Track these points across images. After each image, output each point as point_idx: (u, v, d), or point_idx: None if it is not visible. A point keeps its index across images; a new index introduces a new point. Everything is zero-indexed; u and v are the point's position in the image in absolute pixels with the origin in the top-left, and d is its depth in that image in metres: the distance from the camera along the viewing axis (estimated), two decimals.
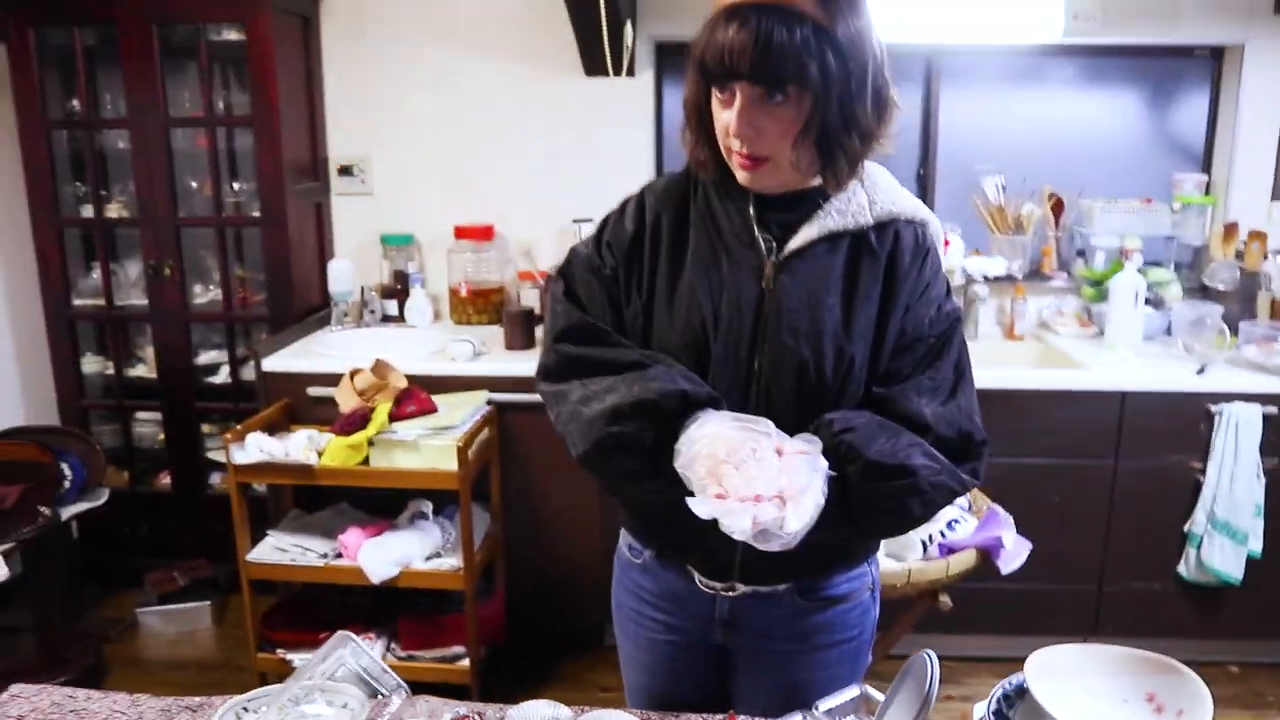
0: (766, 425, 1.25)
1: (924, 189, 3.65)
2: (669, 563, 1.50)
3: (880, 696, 1.31)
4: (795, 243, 1.34)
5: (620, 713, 1.44)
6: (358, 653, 1.48)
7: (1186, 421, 2.96)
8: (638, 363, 1.34)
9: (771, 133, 1.26)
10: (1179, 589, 3.09)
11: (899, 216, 1.37)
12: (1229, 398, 2.93)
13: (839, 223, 1.34)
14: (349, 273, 3.49)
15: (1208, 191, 3.55)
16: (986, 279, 3.43)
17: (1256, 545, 2.97)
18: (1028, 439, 2.97)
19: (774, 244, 1.35)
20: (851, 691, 1.44)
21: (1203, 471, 2.97)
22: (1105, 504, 3.02)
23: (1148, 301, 3.32)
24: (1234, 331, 3.20)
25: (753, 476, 1.20)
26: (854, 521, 1.30)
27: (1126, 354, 3.13)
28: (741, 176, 1.32)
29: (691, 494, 1.24)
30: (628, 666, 1.64)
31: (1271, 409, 2.92)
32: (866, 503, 1.28)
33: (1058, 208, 3.54)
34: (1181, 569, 3.05)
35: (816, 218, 1.34)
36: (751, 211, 1.36)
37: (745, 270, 1.35)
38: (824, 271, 1.34)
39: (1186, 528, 3.02)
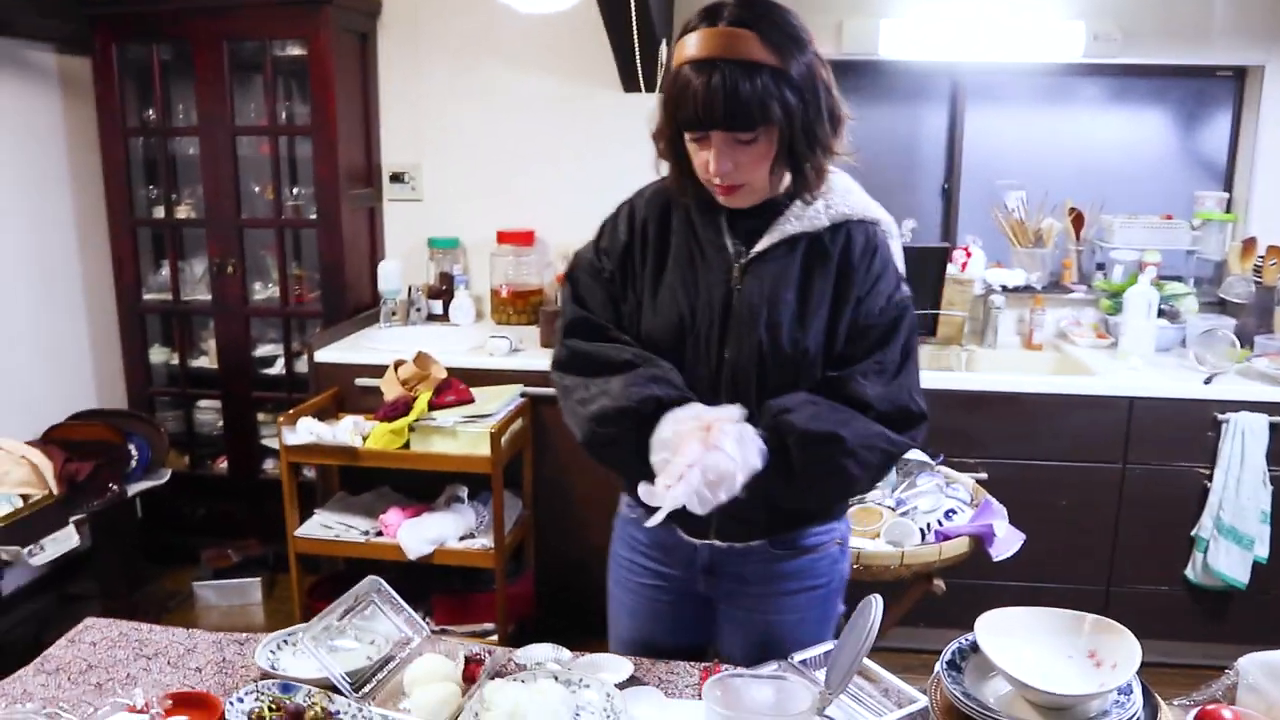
0: (728, 412, 1.45)
1: (948, 202, 3.79)
2: None
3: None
4: (759, 247, 1.53)
5: (616, 656, 1.62)
6: (385, 595, 1.66)
7: (1194, 429, 3.05)
8: (629, 362, 1.54)
9: (746, 165, 1.44)
10: (1186, 592, 3.18)
11: (851, 217, 1.54)
12: (1237, 406, 3.02)
13: (797, 227, 1.52)
14: (398, 273, 3.71)
15: (1229, 208, 3.63)
16: (1005, 289, 3.55)
17: (1263, 551, 3.05)
18: (1039, 442, 3.09)
19: (742, 249, 1.54)
20: (825, 645, 1.60)
21: (1210, 478, 3.06)
22: (1113, 507, 3.12)
23: (1164, 314, 3.43)
24: (1250, 345, 3.28)
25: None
26: (800, 485, 1.49)
27: (1137, 363, 3.23)
28: (721, 199, 1.51)
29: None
30: (617, 613, 1.81)
31: (1279, 418, 3.01)
32: (807, 467, 1.47)
33: (1078, 222, 3.65)
34: (1189, 573, 3.14)
35: (778, 224, 1.52)
36: (724, 222, 1.55)
37: (716, 272, 1.54)
38: (782, 271, 1.52)
39: (1194, 532, 3.11)
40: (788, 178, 1.49)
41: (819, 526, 1.66)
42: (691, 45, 1.42)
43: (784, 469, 1.46)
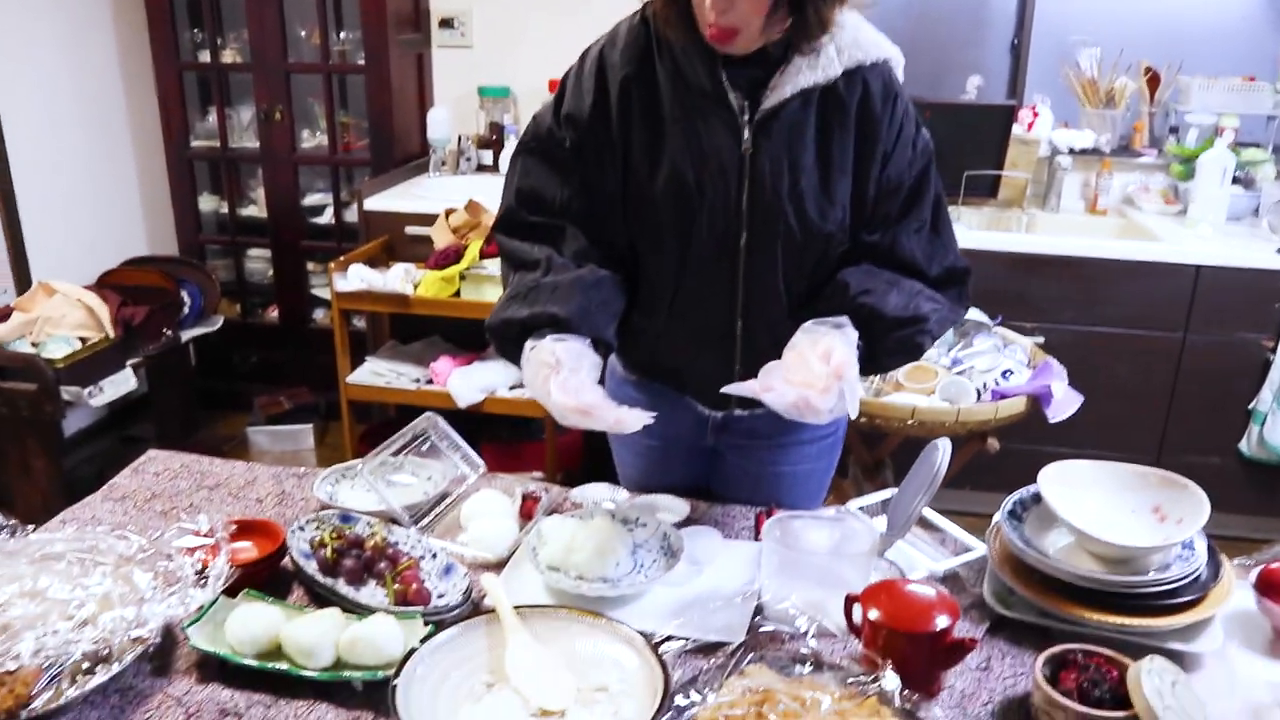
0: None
1: (1017, 59, 3.62)
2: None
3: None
4: (770, 102, 1.35)
5: (672, 497, 1.62)
6: (441, 432, 1.67)
7: (1261, 300, 2.96)
8: (537, 262, 1.43)
9: (746, 6, 1.25)
10: (1239, 465, 3.14)
11: (865, 62, 1.37)
12: None
13: (810, 78, 1.34)
14: (447, 121, 3.64)
15: None
16: (1072, 151, 3.43)
17: None
18: (1098, 309, 3.02)
19: (746, 104, 1.37)
20: (883, 494, 1.59)
21: (1274, 350, 2.98)
22: (1170, 376, 3.07)
23: (1238, 181, 3.29)
24: None
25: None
26: (877, 364, 1.45)
27: (1207, 230, 3.12)
28: (713, 42, 1.31)
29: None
30: (623, 465, 1.79)
31: None
32: (888, 349, 1.43)
33: (1153, 83, 3.48)
34: (1243, 445, 3.10)
35: (787, 74, 1.34)
36: (722, 72, 1.35)
37: (722, 134, 1.37)
38: (799, 131, 1.37)
39: (1252, 405, 3.05)
40: (785, 27, 1.31)
41: None
42: None
43: (866, 350, 1.39)
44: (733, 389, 1.31)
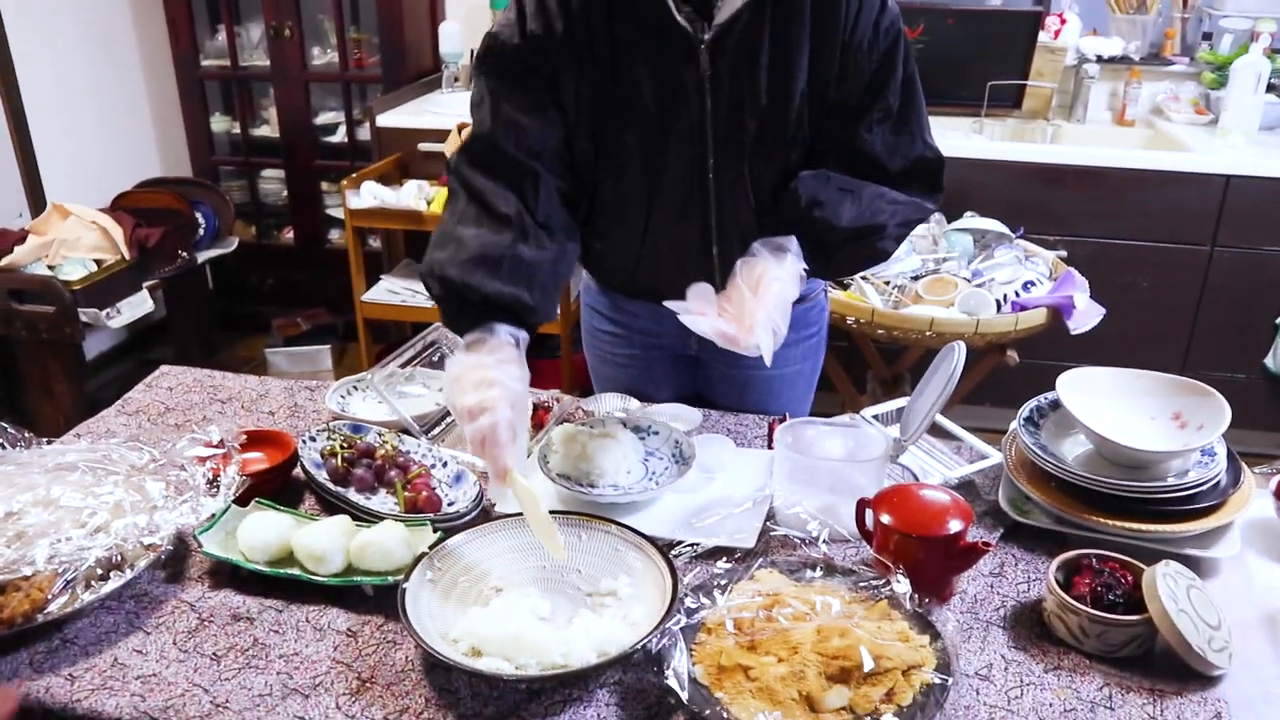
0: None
1: None
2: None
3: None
4: (721, 17, 1.28)
5: (685, 406, 1.60)
6: (452, 342, 1.65)
7: None
8: (505, 219, 1.31)
9: None
10: (1264, 381, 3.10)
11: None
12: None
13: None
14: (459, 35, 3.57)
15: None
16: (1100, 60, 3.32)
17: None
18: (1124, 221, 2.96)
19: (699, 22, 1.30)
20: (899, 402, 1.57)
21: None
22: (1196, 290, 3.01)
23: (1273, 88, 3.19)
24: None
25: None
26: (835, 270, 1.46)
27: (1239, 140, 3.04)
28: None
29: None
30: (604, 381, 1.73)
31: None
32: (847, 258, 1.42)
33: None
34: (1268, 361, 3.05)
35: None
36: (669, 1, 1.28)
37: (679, 58, 1.31)
38: (754, 41, 1.30)
39: (1278, 320, 3.00)
40: None
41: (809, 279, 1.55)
42: None
43: (822, 261, 1.36)
44: (672, 305, 1.27)
